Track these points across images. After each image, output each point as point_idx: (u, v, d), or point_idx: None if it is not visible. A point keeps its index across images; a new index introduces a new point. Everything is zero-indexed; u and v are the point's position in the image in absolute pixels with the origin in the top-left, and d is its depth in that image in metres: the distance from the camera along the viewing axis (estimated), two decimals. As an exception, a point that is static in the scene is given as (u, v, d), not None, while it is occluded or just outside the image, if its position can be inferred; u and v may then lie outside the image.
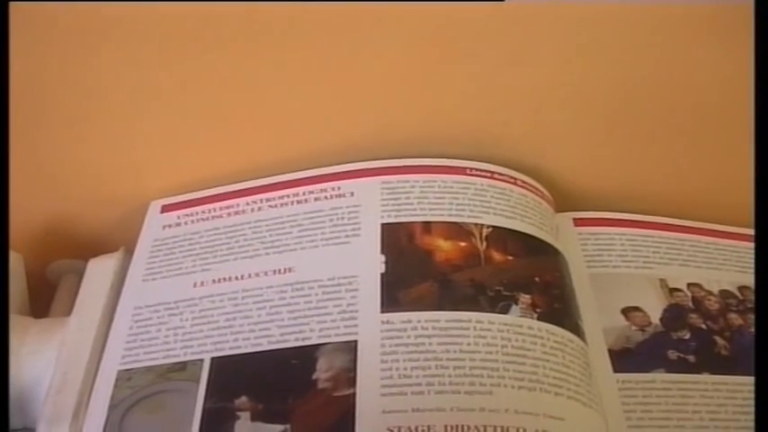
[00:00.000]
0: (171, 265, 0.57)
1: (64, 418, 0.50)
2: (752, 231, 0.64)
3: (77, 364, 0.53)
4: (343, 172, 0.60)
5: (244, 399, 0.49)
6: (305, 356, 0.50)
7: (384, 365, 0.49)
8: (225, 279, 0.55)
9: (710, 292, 0.60)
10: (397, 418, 0.46)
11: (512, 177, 0.60)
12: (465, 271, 0.53)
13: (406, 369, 0.48)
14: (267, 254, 0.56)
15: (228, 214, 0.59)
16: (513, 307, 0.52)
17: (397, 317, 0.51)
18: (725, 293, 0.60)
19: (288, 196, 0.59)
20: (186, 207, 0.61)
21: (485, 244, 0.55)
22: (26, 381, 0.53)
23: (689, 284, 0.60)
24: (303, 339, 0.51)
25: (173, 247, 0.58)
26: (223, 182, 0.61)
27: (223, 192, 0.61)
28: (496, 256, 0.55)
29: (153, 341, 0.53)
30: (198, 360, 0.51)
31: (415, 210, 0.57)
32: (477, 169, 0.59)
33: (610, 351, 0.55)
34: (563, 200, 0.63)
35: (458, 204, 0.57)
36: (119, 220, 0.63)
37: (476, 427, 0.46)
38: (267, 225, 0.58)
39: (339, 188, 0.59)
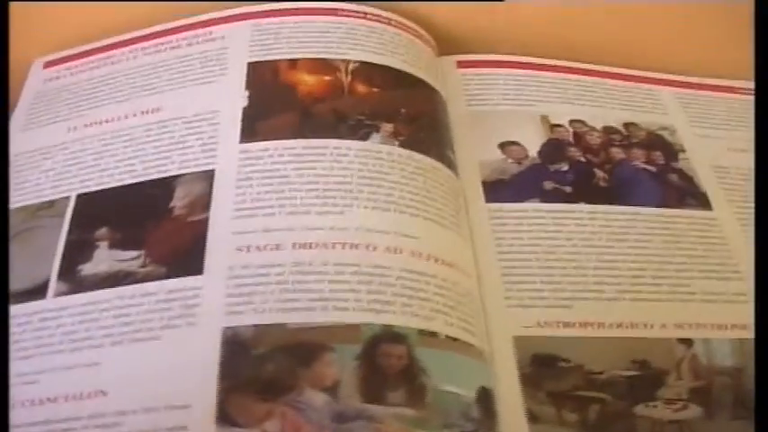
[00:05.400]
0: (49, 115, 0.57)
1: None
2: (639, 73, 0.64)
3: (-48, 211, 0.53)
4: (216, 18, 0.60)
5: (104, 230, 0.49)
6: (163, 187, 0.50)
7: (238, 191, 0.49)
8: (96, 122, 0.55)
9: (593, 128, 0.59)
10: (246, 239, 0.47)
11: (386, 18, 0.59)
12: (327, 102, 0.54)
13: (259, 193, 0.49)
14: (138, 97, 0.56)
15: (106, 65, 0.60)
16: (375, 135, 0.52)
17: (255, 146, 0.51)
18: (609, 129, 0.60)
19: (162, 44, 0.59)
20: (68, 61, 0.61)
21: (350, 77, 0.55)
22: None
23: (571, 121, 0.60)
24: (164, 172, 0.51)
25: (52, 99, 0.59)
26: (107, 35, 0.61)
27: (104, 44, 0.61)
28: (361, 88, 0.55)
29: (25, 183, 0.54)
30: (65, 198, 0.52)
31: (282, 49, 0.57)
32: (349, 10, 0.59)
33: (484, 183, 0.55)
34: (447, 44, 0.62)
35: (326, 42, 0.57)
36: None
37: (324, 243, 0.46)
38: (140, 71, 0.58)
39: (211, 33, 0.59)
